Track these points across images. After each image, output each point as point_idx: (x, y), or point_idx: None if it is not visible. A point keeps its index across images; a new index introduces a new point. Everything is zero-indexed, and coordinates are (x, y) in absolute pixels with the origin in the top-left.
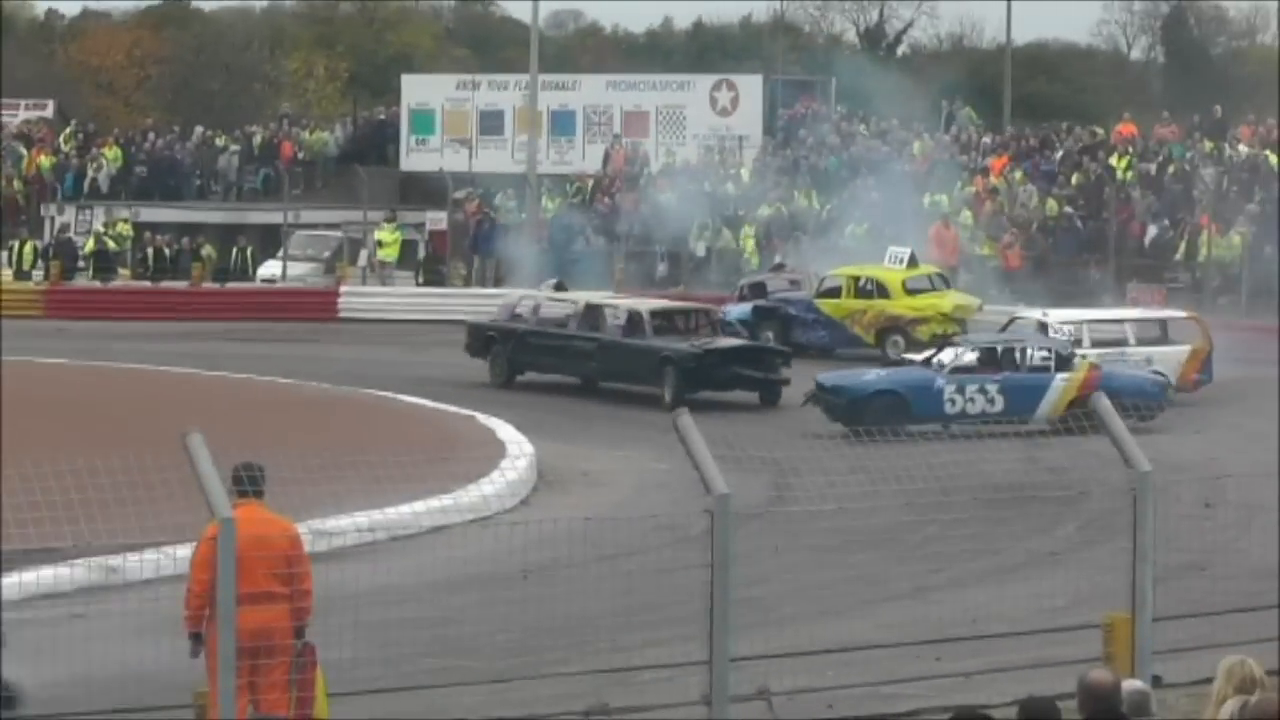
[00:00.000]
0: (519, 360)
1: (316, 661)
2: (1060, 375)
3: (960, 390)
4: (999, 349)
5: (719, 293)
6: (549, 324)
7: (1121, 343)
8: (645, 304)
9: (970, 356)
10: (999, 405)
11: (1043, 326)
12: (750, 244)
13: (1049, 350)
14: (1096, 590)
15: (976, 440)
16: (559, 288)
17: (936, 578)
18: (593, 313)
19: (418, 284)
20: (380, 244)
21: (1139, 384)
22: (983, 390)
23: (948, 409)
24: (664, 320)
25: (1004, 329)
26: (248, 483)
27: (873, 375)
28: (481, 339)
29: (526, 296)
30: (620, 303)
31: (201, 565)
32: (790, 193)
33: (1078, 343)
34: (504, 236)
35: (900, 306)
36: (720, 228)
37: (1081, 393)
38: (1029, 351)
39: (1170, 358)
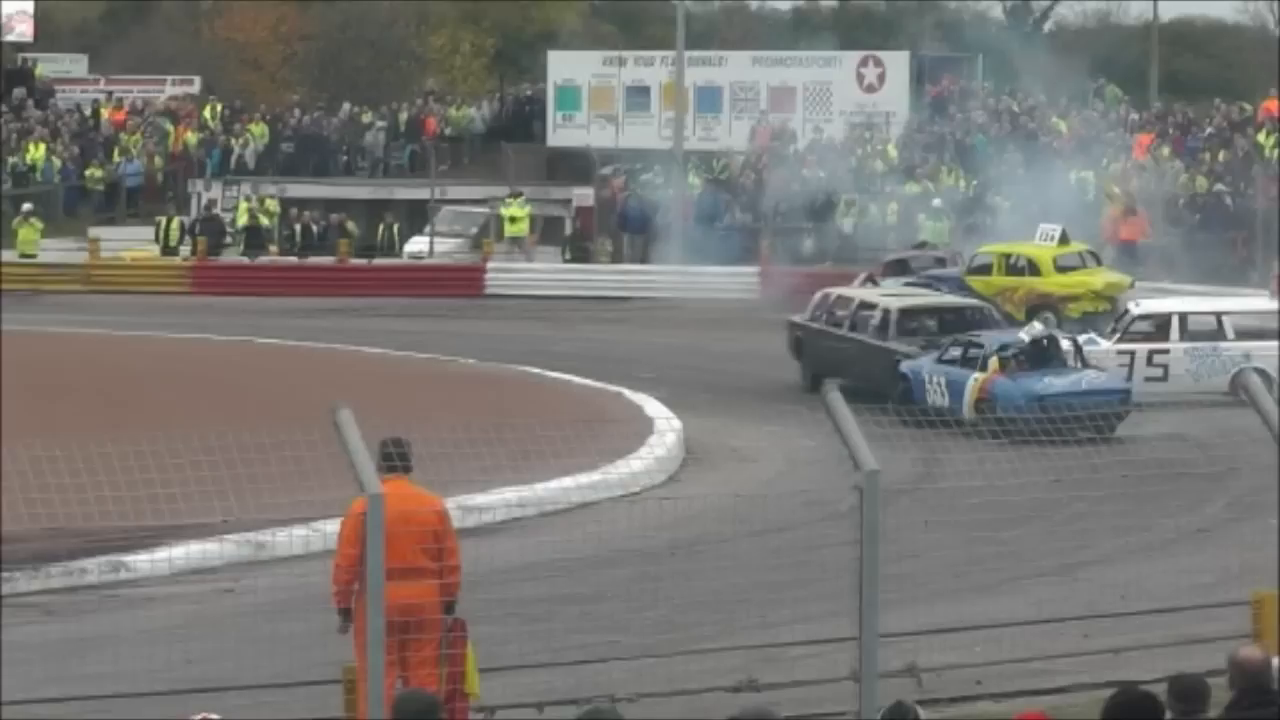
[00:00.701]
0: (819, 366)
1: (466, 637)
2: (975, 374)
3: (932, 379)
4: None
5: (862, 269)
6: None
7: (1216, 336)
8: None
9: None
10: (945, 400)
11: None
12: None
13: (983, 341)
14: (1245, 566)
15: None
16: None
17: (1085, 554)
18: (908, 319)
19: (564, 260)
20: (512, 219)
21: (1011, 395)
22: (936, 383)
23: (929, 398)
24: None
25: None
26: (396, 458)
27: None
28: (793, 339)
29: (834, 292)
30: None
31: (349, 541)
32: (936, 169)
33: (1157, 332)
34: (652, 214)
35: (1051, 284)
36: (866, 204)
37: (982, 395)
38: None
39: (1271, 353)
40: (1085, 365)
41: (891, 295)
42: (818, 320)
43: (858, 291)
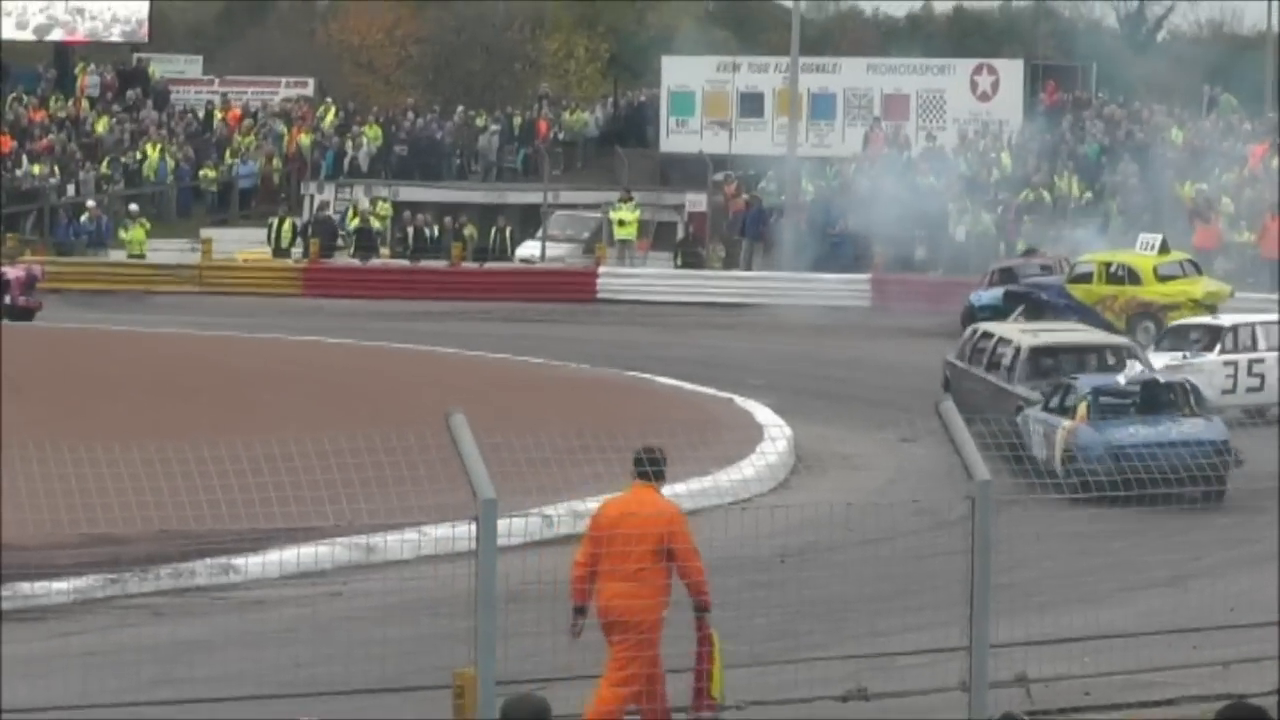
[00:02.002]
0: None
1: (705, 642)
2: (1065, 422)
3: (1033, 428)
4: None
5: (974, 277)
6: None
7: (1249, 348)
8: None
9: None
10: (1045, 451)
11: (1208, 330)
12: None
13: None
14: None
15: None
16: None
17: (1194, 565)
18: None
19: (676, 266)
20: (621, 223)
21: (1091, 446)
22: (1036, 432)
23: (1033, 448)
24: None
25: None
26: (647, 464)
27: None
28: (944, 378)
29: (981, 327)
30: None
31: (585, 541)
32: (1050, 178)
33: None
34: (768, 219)
35: (1151, 293)
36: (980, 212)
37: (1064, 447)
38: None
39: None
40: (1196, 411)
41: (1030, 331)
42: (964, 358)
43: (1000, 326)
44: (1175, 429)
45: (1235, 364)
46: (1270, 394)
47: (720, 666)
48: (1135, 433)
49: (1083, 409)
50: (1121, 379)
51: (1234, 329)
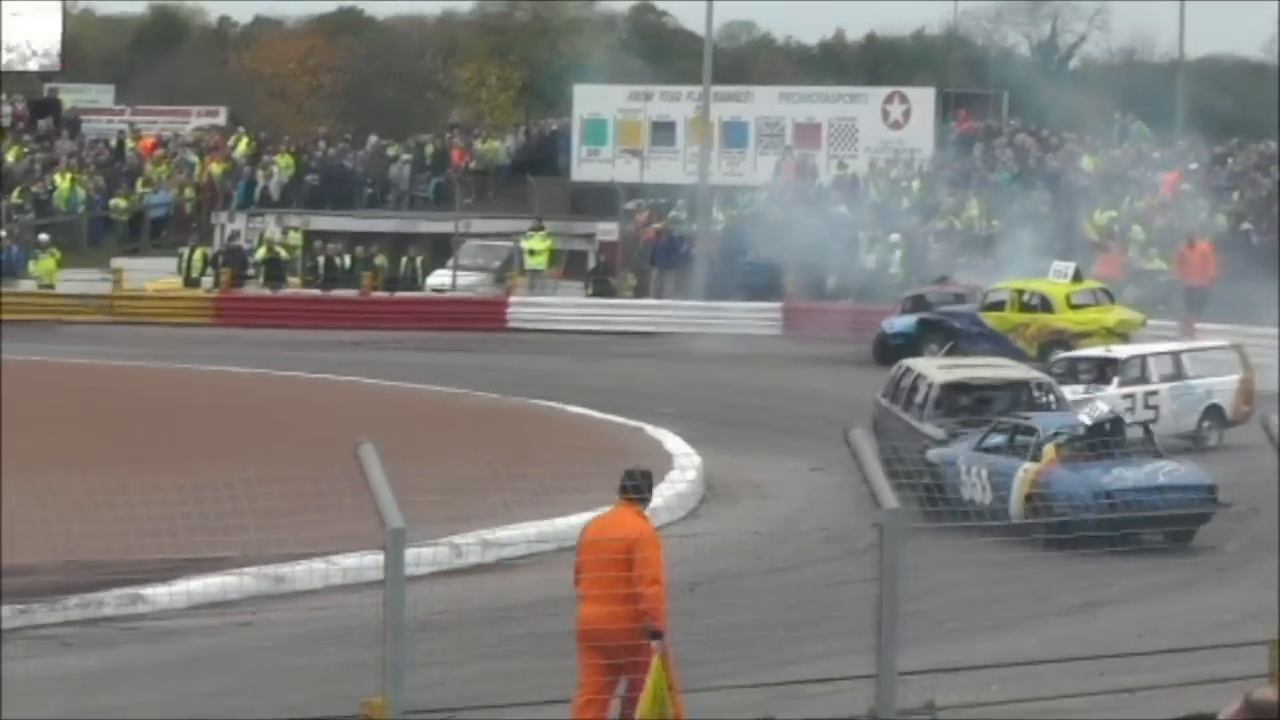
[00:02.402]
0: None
1: (642, 669)
2: (1025, 465)
3: (970, 471)
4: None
5: (886, 305)
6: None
7: (1179, 376)
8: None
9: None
10: (987, 495)
11: (1106, 363)
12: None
13: (1037, 425)
14: (1264, 606)
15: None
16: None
17: (1104, 592)
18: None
19: (587, 294)
20: (532, 252)
21: (1073, 490)
22: (976, 475)
23: (966, 492)
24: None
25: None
26: (632, 488)
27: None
28: (873, 418)
29: (906, 363)
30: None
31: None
32: (961, 206)
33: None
34: (679, 248)
35: (1064, 320)
36: (890, 240)
37: (1034, 489)
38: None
39: (1227, 389)
40: (1159, 454)
41: (947, 367)
42: (887, 394)
43: (921, 362)
44: (1161, 472)
45: (1133, 396)
46: (1164, 426)
47: (658, 690)
48: (1122, 476)
49: (1051, 450)
50: (1085, 418)
51: (1129, 361)
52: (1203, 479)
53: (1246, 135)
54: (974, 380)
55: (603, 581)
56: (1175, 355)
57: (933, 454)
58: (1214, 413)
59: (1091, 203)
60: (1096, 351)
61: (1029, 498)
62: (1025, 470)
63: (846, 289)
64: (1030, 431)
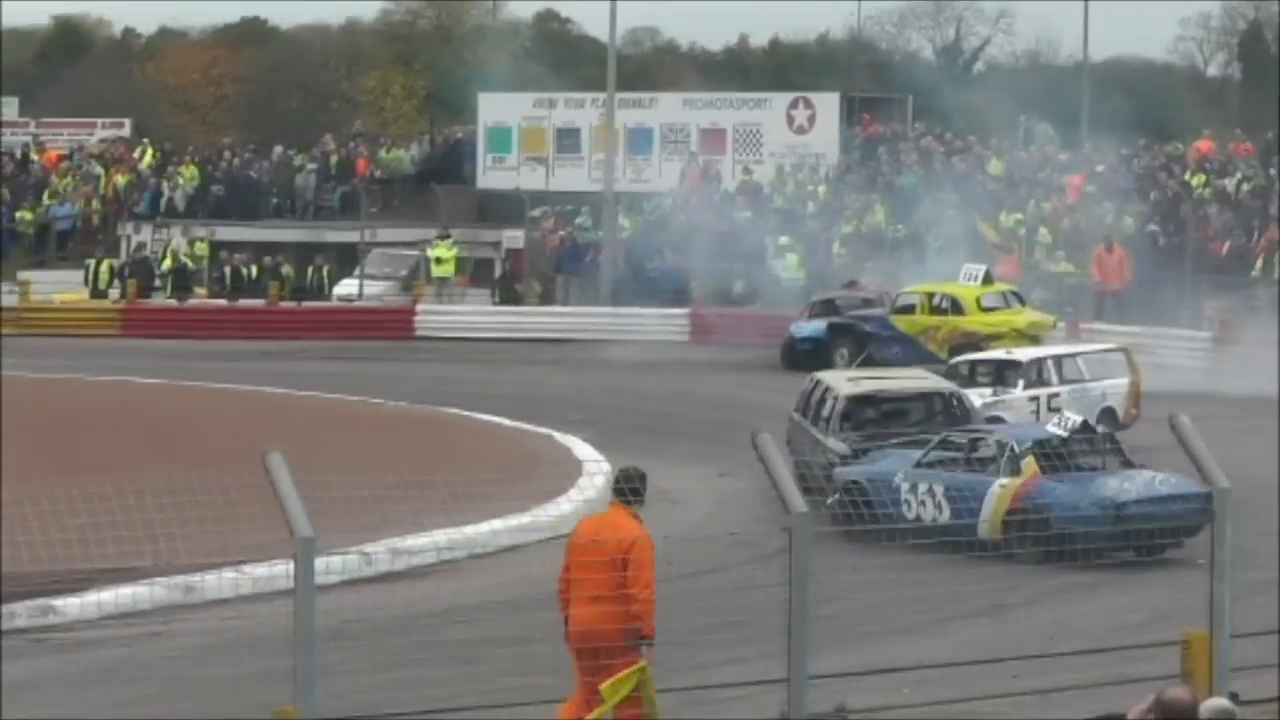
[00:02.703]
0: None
1: (631, 665)
2: (1000, 481)
3: (916, 490)
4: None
5: (794, 310)
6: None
7: (1077, 379)
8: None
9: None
10: (943, 514)
11: (1006, 365)
12: (795, 261)
13: (1001, 442)
14: (1175, 607)
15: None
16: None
17: (1014, 595)
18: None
19: (494, 302)
20: (439, 260)
21: (1074, 504)
22: (926, 493)
23: (905, 512)
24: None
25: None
26: (624, 486)
27: (867, 462)
28: (787, 433)
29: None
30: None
31: (565, 558)
32: (867, 210)
33: (1040, 380)
34: (584, 255)
35: (975, 323)
36: (796, 246)
37: (1015, 504)
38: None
39: (1118, 392)
40: (1131, 462)
41: (853, 379)
42: (799, 409)
43: (831, 375)
44: (1158, 481)
45: (1038, 399)
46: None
47: (638, 689)
48: (1126, 488)
49: (1031, 465)
50: (1056, 429)
51: (1030, 364)
52: (1194, 487)
53: (1152, 137)
54: (881, 392)
55: (595, 584)
56: (1072, 358)
57: (853, 472)
58: (1107, 415)
59: (998, 206)
60: (997, 354)
61: (1011, 513)
62: (1002, 485)
63: (753, 294)
64: (999, 445)
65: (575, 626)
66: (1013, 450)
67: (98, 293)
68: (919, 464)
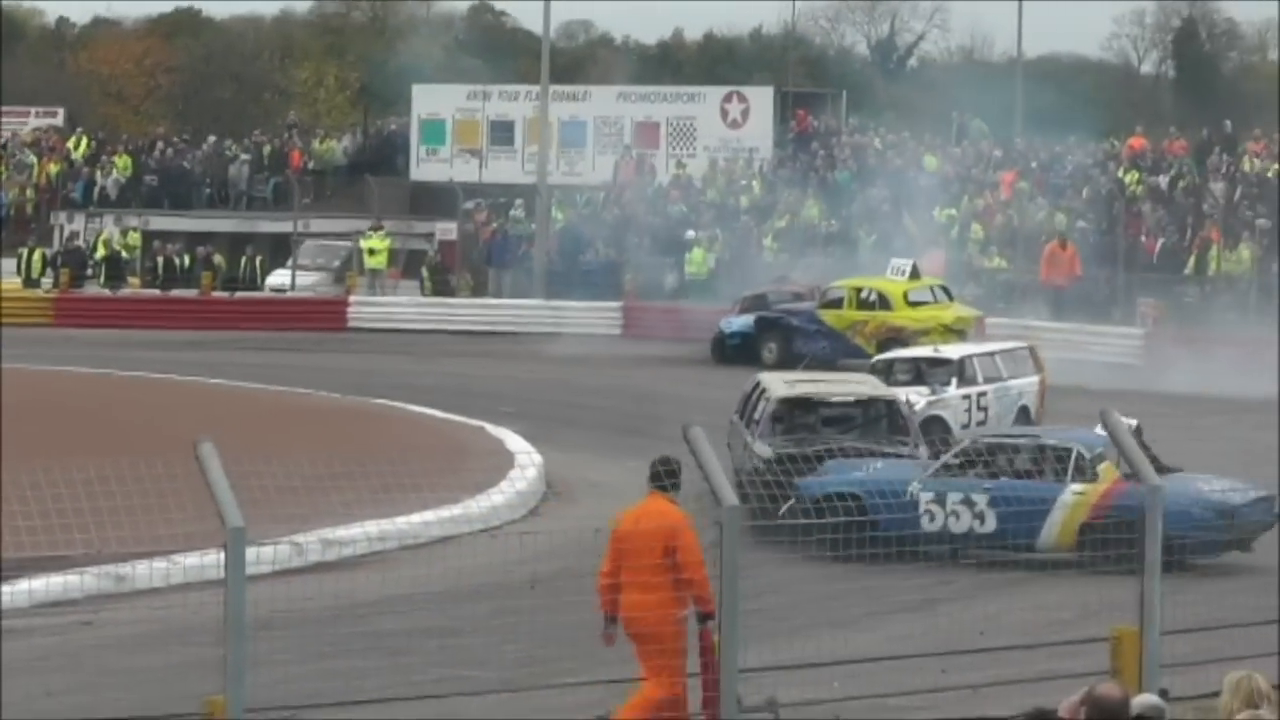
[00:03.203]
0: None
1: (709, 651)
2: (1073, 488)
3: (947, 502)
4: (987, 442)
5: (724, 305)
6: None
7: (998, 378)
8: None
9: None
10: (989, 524)
11: (932, 363)
12: (700, 256)
13: (1062, 447)
14: (1104, 603)
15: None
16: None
17: (944, 589)
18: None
19: (424, 294)
20: (371, 252)
21: (1182, 508)
22: (965, 505)
23: (924, 524)
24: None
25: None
26: (664, 476)
27: (834, 472)
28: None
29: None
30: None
31: (607, 551)
32: (800, 205)
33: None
34: (516, 248)
35: (902, 318)
36: (729, 240)
37: (1095, 515)
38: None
39: (1031, 390)
40: (1164, 467)
41: (790, 381)
42: (739, 411)
43: (771, 377)
44: (1230, 484)
45: (970, 397)
46: (990, 427)
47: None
48: (1218, 487)
49: (1111, 470)
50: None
51: (961, 361)
52: (1263, 489)
53: (1086, 134)
54: (815, 396)
55: (643, 570)
56: (990, 356)
57: (834, 484)
58: (1023, 414)
59: (931, 201)
60: (924, 351)
61: (1093, 520)
62: (1077, 493)
63: (685, 288)
64: (1063, 453)
65: (627, 613)
66: (1081, 456)
67: (30, 282)
68: (937, 473)
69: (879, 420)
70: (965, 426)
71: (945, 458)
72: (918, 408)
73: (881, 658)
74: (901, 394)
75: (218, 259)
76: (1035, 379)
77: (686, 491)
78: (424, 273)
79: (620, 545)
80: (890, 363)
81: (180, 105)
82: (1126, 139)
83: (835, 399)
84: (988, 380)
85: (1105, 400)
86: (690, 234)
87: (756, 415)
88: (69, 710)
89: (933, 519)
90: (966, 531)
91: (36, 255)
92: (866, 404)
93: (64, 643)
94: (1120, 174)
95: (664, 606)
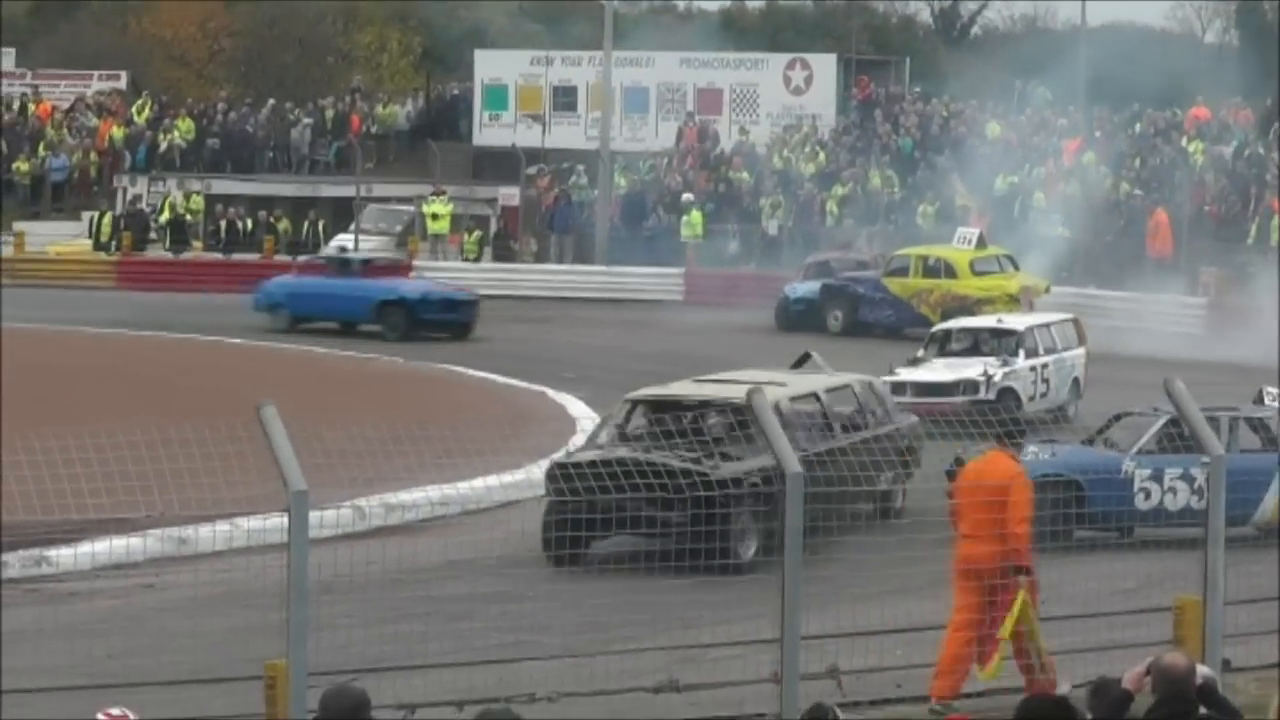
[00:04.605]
0: None
1: (1017, 590)
2: None
3: (1157, 477)
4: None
5: (788, 271)
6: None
7: (1054, 350)
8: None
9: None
10: (1195, 500)
11: (994, 334)
12: (696, 218)
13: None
14: (1166, 573)
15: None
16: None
17: None
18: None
19: (471, 260)
20: (434, 217)
21: None
22: (1187, 477)
23: (1139, 503)
24: None
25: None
26: (1009, 432)
27: (1031, 454)
28: None
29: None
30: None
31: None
32: (864, 172)
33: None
34: (578, 213)
35: (966, 287)
36: (791, 207)
37: None
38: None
39: (1080, 362)
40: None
41: (702, 381)
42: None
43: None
44: None
45: (1035, 369)
46: (1056, 397)
47: (1020, 617)
48: None
49: None
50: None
51: (1028, 332)
52: None
53: (1149, 103)
54: (665, 398)
55: (980, 523)
56: (1046, 328)
57: (1046, 466)
58: (1075, 386)
59: (993, 169)
60: (987, 321)
61: None
62: None
63: (748, 254)
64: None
65: (961, 561)
66: None
67: (100, 245)
68: (1143, 449)
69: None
70: (1031, 399)
71: (1152, 431)
72: (995, 379)
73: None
74: (977, 366)
75: (282, 224)
76: (1082, 351)
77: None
78: (463, 238)
79: (960, 497)
80: (948, 332)
81: (243, 69)
82: (1189, 108)
83: (687, 401)
84: (1047, 352)
85: (1171, 370)
86: (686, 196)
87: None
88: (131, 672)
89: (1148, 496)
90: (1183, 508)
91: (106, 219)
92: (722, 408)
93: (126, 605)
94: (1184, 143)
95: (993, 559)
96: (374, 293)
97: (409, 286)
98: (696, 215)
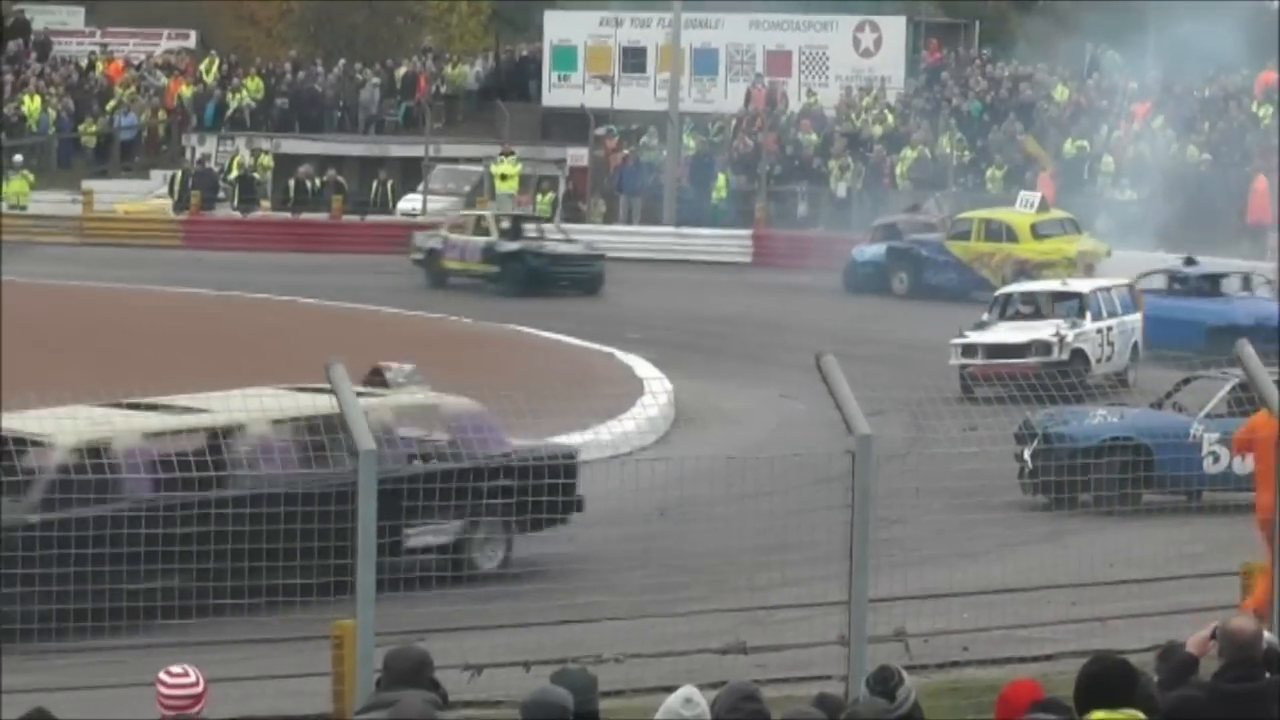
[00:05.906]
0: None
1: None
2: None
3: (1226, 441)
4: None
5: (857, 233)
6: None
7: (1115, 313)
8: None
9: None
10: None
11: (1057, 297)
12: (722, 182)
13: None
14: (1234, 538)
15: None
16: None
17: (1074, 522)
18: None
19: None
20: (503, 177)
21: None
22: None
23: (1207, 466)
24: None
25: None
26: None
27: (1099, 417)
28: None
29: None
30: None
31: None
32: (933, 135)
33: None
34: (647, 175)
35: (1028, 250)
36: (860, 169)
37: None
38: None
39: (1137, 327)
40: None
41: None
42: None
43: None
44: None
45: (1103, 331)
46: (1120, 361)
47: None
48: None
49: None
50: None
51: (1091, 295)
52: None
53: (1218, 67)
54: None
55: (1269, 472)
56: (1108, 291)
57: (1114, 429)
58: (1135, 350)
59: (1062, 133)
60: (1052, 284)
61: None
62: None
63: (816, 217)
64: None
65: (1261, 513)
66: None
67: (180, 204)
68: (1211, 414)
69: None
70: (1099, 361)
71: (1216, 399)
72: (1068, 339)
73: (1010, 589)
74: (1048, 327)
75: (349, 183)
76: (1138, 315)
77: (818, 419)
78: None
79: (1259, 450)
80: (1009, 295)
81: (312, 29)
82: (1260, 73)
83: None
84: (1109, 315)
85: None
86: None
87: None
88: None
89: (1216, 460)
90: (1251, 472)
91: (180, 177)
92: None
93: None
94: (1254, 108)
95: (1270, 497)
96: None
97: None
98: (722, 179)
